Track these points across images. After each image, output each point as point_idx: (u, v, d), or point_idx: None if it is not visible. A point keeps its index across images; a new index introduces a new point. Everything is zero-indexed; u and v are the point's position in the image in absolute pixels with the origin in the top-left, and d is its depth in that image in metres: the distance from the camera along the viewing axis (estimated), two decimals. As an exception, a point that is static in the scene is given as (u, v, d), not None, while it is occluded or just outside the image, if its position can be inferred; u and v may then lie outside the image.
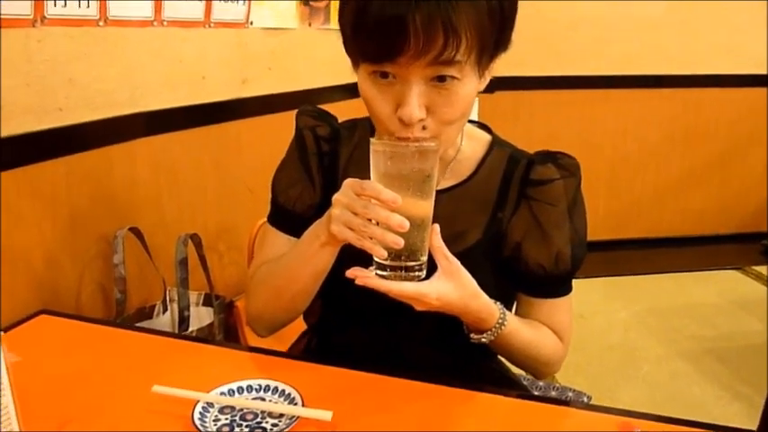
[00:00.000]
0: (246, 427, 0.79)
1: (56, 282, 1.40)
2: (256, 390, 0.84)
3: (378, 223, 0.75)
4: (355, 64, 0.84)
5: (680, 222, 3.73)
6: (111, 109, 1.51)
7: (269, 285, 0.97)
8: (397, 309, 0.82)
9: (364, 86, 0.83)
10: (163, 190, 1.71)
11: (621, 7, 3.32)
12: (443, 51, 0.74)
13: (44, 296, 1.35)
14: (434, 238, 0.80)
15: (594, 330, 2.74)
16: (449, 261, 0.81)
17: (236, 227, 1.96)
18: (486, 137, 1.00)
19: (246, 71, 1.99)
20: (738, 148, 3.63)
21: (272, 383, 0.85)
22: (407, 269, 0.78)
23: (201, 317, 1.66)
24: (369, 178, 0.77)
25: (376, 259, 0.78)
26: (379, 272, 0.79)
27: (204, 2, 1.73)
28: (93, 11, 1.40)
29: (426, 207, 0.77)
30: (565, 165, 0.94)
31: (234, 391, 0.83)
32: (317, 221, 0.87)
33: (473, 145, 0.98)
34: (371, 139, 0.77)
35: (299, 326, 1.10)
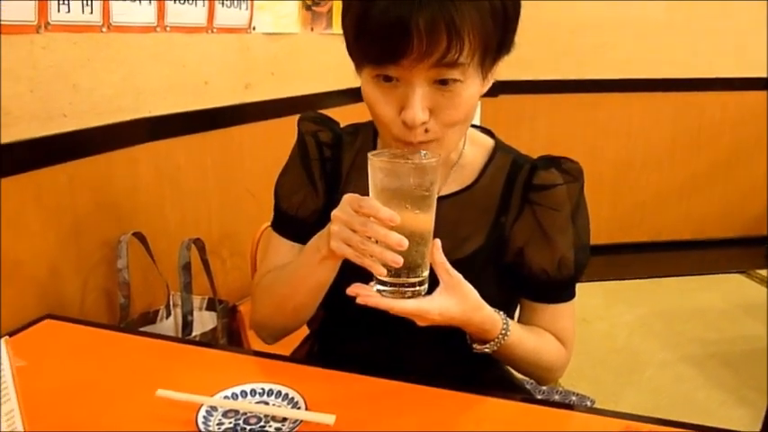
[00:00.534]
0: (250, 430, 0.79)
1: (60, 287, 1.40)
2: (260, 393, 0.84)
3: (377, 240, 0.74)
4: (358, 67, 0.84)
5: (684, 226, 3.72)
6: (115, 114, 1.52)
7: (273, 294, 0.98)
8: (399, 318, 0.82)
9: (367, 90, 0.83)
10: (166, 195, 1.72)
11: (624, 11, 3.32)
12: (446, 54, 0.74)
13: (49, 301, 1.36)
14: (436, 254, 0.80)
15: (598, 334, 2.73)
16: (450, 275, 0.81)
17: (239, 232, 1.97)
18: (489, 142, 1.00)
19: (249, 76, 1.99)
20: (742, 151, 3.62)
21: (276, 387, 0.85)
22: (408, 285, 0.78)
23: (205, 321, 1.66)
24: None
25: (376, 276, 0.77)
26: (380, 287, 0.78)
27: (207, 8, 1.74)
28: (96, 17, 1.41)
29: (426, 223, 0.76)
30: (568, 169, 0.93)
31: (237, 395, 0.84)
32: (319, 234, 0.86)
33: (476, 150, 0.98)
34: (369, 155, 0.76)
35: (302, 330, 1.10)
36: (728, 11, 3.36)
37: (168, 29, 1.62)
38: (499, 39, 0.80)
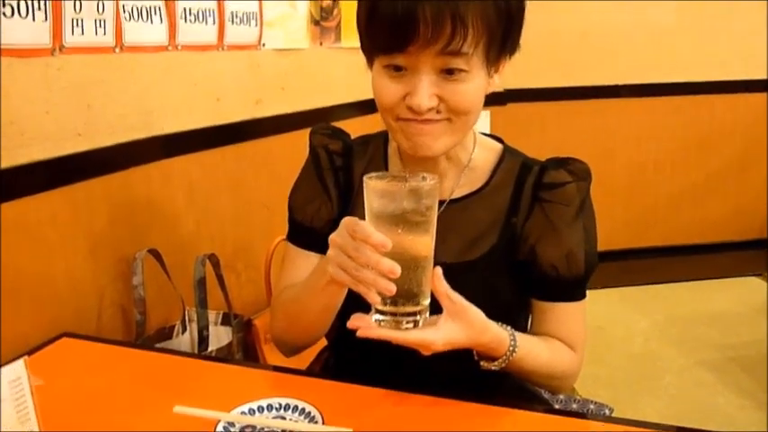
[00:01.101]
0: (268, 445, 0.79)
1: (77, 305, 1.41)
2: (276, 408, 0.85)
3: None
4: (370, 62, 0.88)
5: (698, 229, 3.69)
6: (129, 133, 1.53)
7: (287, 311, 0.99)
8: None
9: (377, 79, 0.87)
10: (180, 211, 1.73)
11: (631, 16, 3.32)
12: (451, 41, 0.79)
13: (66, 319, 1.37)
14: (437, 283, 0.78)
15: (615, 341, 2.71)
16: (453, 303, 0.80)
17: (253, 245, 1.98)
18: (498, 146, 1.02)
19: (260, 92, 2.01)
20: (754, 153, 3.59)
21: (293, 402, 0.85)
22: (406, 314, 0.75)
23: (220, 336, 1.67)
24: None
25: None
26: (378, 317, 0.76)
27: (217, 26, 1.76)
28: (109, 38, 1.43)
29: (423, 249, 0.74)
30: (576, 170, 0.95)
31: (255, 410, 0.84)
32: (325, 256, 0.85)
33: (485, 154, 1.00)
34: (365, 178, 0.75)
35: (320, 342, 1.11)
36: (738, 13, 3.35)
37: (180, 47, 1.64)
38: (503, 33, 0.84)
